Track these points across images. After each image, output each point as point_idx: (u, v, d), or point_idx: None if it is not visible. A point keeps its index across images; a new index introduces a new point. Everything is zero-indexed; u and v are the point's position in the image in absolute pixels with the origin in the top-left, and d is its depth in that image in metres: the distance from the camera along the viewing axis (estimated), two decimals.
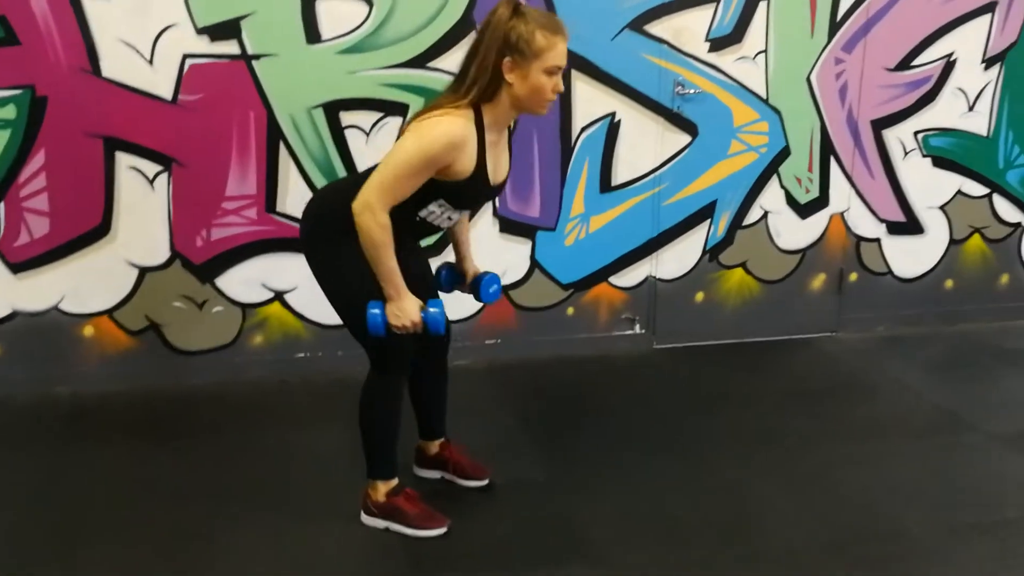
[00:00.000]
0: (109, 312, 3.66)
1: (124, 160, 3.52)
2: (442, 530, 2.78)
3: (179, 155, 3.55)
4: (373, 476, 2.80)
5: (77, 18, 3.34)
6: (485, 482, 3.05)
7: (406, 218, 2.57)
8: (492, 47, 2.43)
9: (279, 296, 3.81)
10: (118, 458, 3.23)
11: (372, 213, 2.44)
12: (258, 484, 3.07)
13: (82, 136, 3.46)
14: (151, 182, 3.56)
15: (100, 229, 3.56)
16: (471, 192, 2.56)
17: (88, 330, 3.66)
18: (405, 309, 2.53)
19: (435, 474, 3.09)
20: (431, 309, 2.57)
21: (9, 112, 3.37)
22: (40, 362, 3.65)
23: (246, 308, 3.79)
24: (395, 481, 2.82)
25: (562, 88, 2.52)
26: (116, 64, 3.41)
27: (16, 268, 3.54)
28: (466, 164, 2.48)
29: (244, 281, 3.75)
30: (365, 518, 2.83)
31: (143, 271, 3.65)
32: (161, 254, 3.64)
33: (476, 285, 2.90)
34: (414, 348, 2.73)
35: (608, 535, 2.80)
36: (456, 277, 2.96)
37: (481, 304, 2.87)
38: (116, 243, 3.59)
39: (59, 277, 3.58)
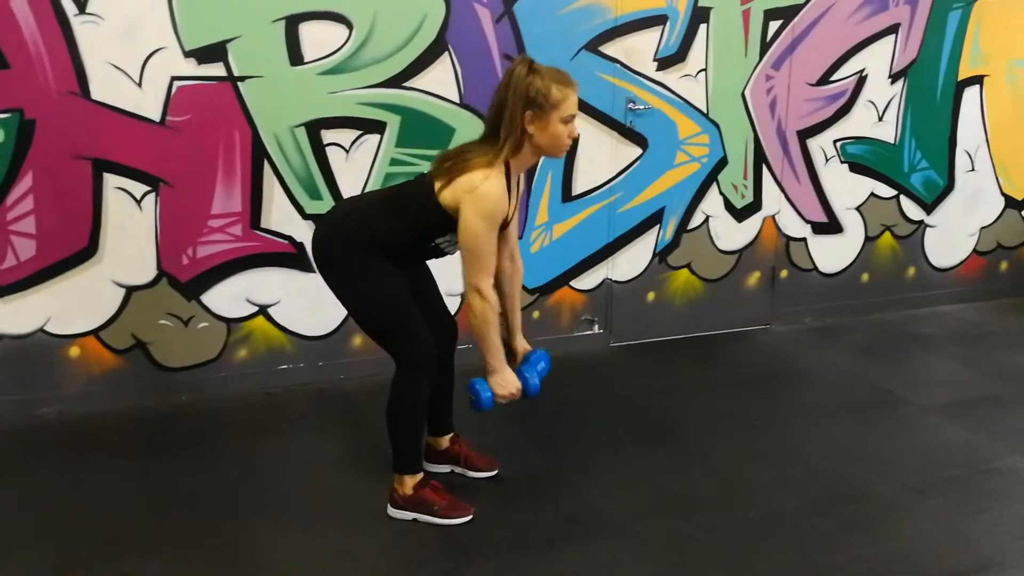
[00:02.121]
0: (95, 332, 3.69)
1: (112, 181, 3.57)
2: (468, 517, 2.97)
3: (166, 175, 3.63)
4: (400, 471, 2.97)
5: (67, 42, 3.39)
6: (495, 472, 3.26)
7: (420, 245, 2.85)
8: (517, 104, 2.69)
9: (263, 310, 3.91)
10: (119, 477, 3.26)
11: (482, 296, 2.74)
12: (270, 492, 3.17)
13: (70, 158, 3.49)
14: (139, 202, 3.62)
15: (87, 250, 3.60)
16: None
17: (74, 351, 3.68)
18: (508, 379, 2.85)
19: (445, 468, 3.28)
20: (528, 376, 2.88)
21: None
22: (24, 385, 3.64)
23: (230, 323, 3.88)
24: (421, 474, 3.00)
25: (576, 133, 2.80)
26: (105, 87, 3.47)
27: (1, 291, 3.53)
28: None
29: (229, 297, 3.83)
30: (392, 511, 2.99)
31: (130, 290, 3.69)
32: (148, 273, 3.70)
33: (523, 380, 3.00)
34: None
35: (620, 510, 3.06)
36: (507, 353, 3.08)
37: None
38: (103, 263, 3.63)
39: (45, 299, 3.59)
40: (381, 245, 2.80)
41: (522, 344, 3.13)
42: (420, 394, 2.92)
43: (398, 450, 2.96)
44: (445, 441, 3.27)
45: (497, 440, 3.52)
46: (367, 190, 3.90)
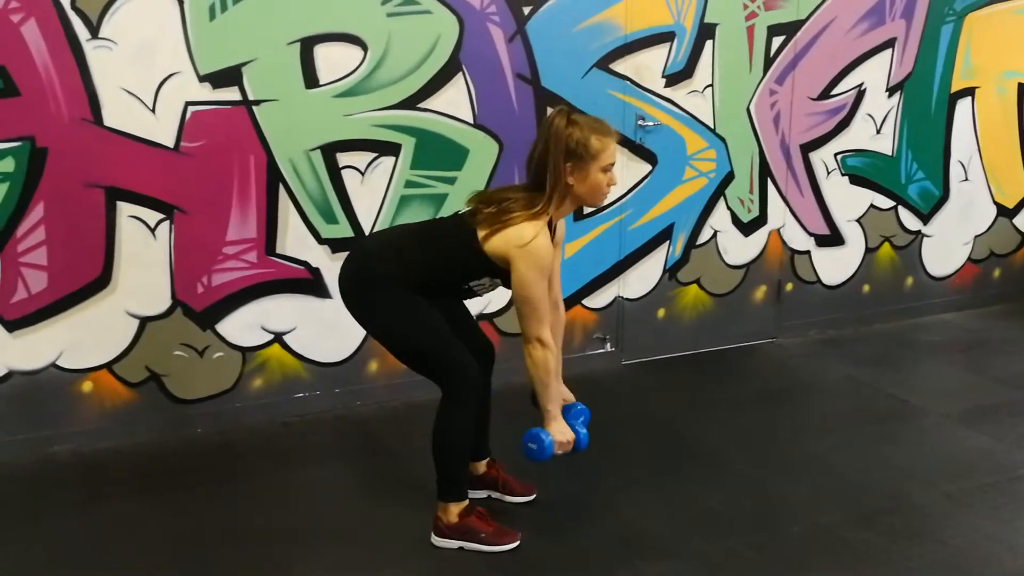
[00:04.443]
0: (108, 365, 3.58)
1: (125, 210, 3.47)
2: (515, 544, 2.92)
3: (181, 202, 3.54)
4: (446, 499, 2.91)
5: (79, 67, 3.30)
6: (533, 496, 3.21)
7: (455, 284, 2.86)
8: (559, 156, 2.70)
9: (278, 338, 3.83)
10: (143, 515, 3.15)
11: (544, 345, 2.78)
12: (305, 525, 3.08)
13: (83, 187, 3.39)
14: (152, 231, 3.52)
15: (100, 281, 3.49)
16: None
17: (87, 386, 3.56)
18: (566, 429, 2.86)
19: (482, 493, 3.22)
20: (580, 431, 2.91)
21: (8, 165, 3.27)
22: (35, 423, 3.51)
23: (246, 352, 3.79)
24: (466, 502, 2.94)
25: (616, 181, 2.82)
26: (118, 113, 3.38)
27: (12, 326, 3.41)
28: None
29: (244, 325, 3.75)
30: (437, 540, 2.93)
31: (144, 321, 3.59)
32: (162, 303, 3.60)
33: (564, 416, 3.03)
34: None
35: (665, 530, 3.03)
36: None
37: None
38: (116, 294, 3.52)
39: (57, 332, 3.47)
40: (414, 282, 2.79)
41: (564, 391, 3.12)
42: (466, 421, 2.87)
43: (443, 478, 2.90)
44: (482, 466, 3.22)
45: (526, 463, 3.44)
46: (383, 214, 3.85)
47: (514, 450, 3.51)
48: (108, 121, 3.38)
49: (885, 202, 5.02)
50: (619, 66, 4.16)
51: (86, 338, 3.52)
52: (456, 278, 2.85)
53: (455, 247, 2.79)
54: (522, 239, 2.69)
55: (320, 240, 3.79)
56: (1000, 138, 5.23)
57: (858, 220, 4.97)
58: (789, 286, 4.88)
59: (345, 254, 3.74)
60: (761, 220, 4.71)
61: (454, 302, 3.03)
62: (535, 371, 2.79)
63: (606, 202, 2.97)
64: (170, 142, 3.48)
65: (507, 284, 2.82)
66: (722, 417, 3.97)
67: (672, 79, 4.30)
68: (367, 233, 3.83)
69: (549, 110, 3.95)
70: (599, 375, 4.43)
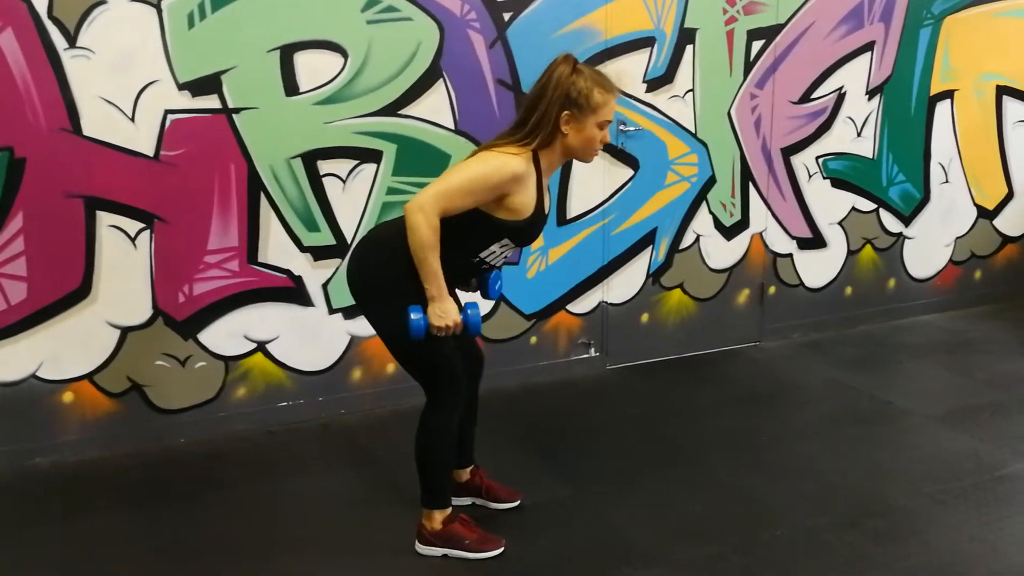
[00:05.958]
0: (90, 376, 3.55)
1: (105, 219, 3.45)
2: (500, 550, 2.91)
3: (161, 211, 3.52)
4: (429, 506, 2.90)
5: (57, 77, 3.28)
6: (517, 503, 3.21)
7: (466, 261, 2.76)
8: (554, 101, 2.65)
9: (261, 347, 3.81)
10: (127, 527, 3.13)
11: (425, 215, 2.58)
12: (291, 534, 3.07)
13: (62, 197, 3.37)
14: (133, 240, 3.50)
15: (81, 291, 3.47)
16: (532, 229, 2.76)
17: (67, 396, 3.54)
18: (447, 310, 2.66)
19: (466, 501, 3.21)
20: (469, 311, 2.73)
21: None
22: (15, 435, 3.48)
23: (228, 361, 3.77)
24: (450, 509, 2.93)
25: (608, 139, 2.77)
26: (97, 122, 3.37)
27: None
28: (527, 201, 2.68)
29: (226, 334, 3.73)
30: (421, 547, 2.92)
31: (125, 331, 3.57)
32: (143, 313, 3.58)
33: (483, 284, 3.00)
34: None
35: (648, 536, 3.03)
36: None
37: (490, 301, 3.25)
38: (97, 304, 3.50)
39: (37, 343, 3.45)
40: None
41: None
42: (450, 427, 2.86)
43: (427, 485, 2.89)
44: (466, 473, 3.21)
45: (512, 469, 3.46)
46: (365, 222, 3.84)
47: (499, 457, 3.53)
48: (87, 130, 3.36)
49: (866, 205, 5.04)
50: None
51: (67, 349, 3.49)
52: (466, 253, 2.74)
53: (456, 215, 2.65)
54: (488, 152, 2.67)
55: (302, 248, 3.78)
56: (979, 140, 5.27)
57: (840, 223, 4.99)
58: (772, 289, 4.89)
59: (327, 262, 3.82)
60: (743, 224, 4.72)
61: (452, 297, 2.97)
62: (411, 237, 2.60)
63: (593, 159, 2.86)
64: (150, 151, 3.46)
65: (517, 241, 2.77)
66: (706, 421, 3.97)
67: (653, 84, 4.31)
68: (349, 240, 3.83)
69: None
70: (583, 380, 4.43)
